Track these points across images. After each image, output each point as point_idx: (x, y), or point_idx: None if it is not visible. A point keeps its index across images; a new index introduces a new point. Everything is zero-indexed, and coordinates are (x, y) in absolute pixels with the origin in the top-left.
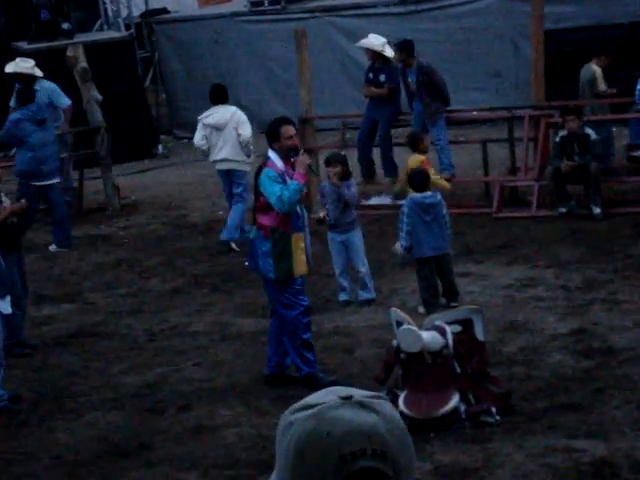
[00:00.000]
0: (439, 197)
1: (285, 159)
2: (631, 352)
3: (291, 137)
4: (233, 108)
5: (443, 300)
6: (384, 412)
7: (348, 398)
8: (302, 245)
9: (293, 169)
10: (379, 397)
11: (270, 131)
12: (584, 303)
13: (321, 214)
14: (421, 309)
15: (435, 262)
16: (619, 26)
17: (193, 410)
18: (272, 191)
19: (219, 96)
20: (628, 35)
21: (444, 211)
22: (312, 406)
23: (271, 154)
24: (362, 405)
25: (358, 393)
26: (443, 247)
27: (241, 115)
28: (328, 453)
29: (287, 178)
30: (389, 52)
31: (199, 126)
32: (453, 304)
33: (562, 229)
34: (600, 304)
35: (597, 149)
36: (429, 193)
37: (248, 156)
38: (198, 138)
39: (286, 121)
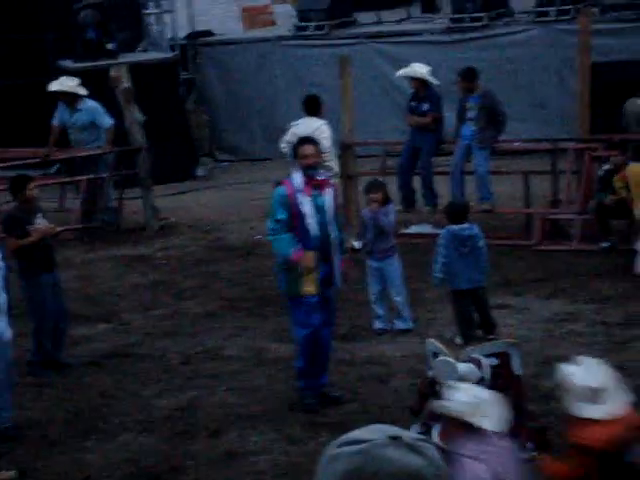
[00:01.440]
0: (476, 229)
1: (305, 177)
2: None
3: (306, 157)
4: (320, 122)
5: (480, 332)
6: (431, 456)
7: (396, 438)
8: (312, 265)
9: (313, 188)
10: (426, 441)
11: (293, 150)
12: (624, 340)
13: (355, 243)
14: (458, 340)
15: (470, 295)
16: None
17: (225, 435)
18: (272, 213)
19: (310, 107)
20: None
21: (481, 243)
22: (360, 442)
23: (293, 172)
24: (410, 447)
25: (406, 434)
26: (479, 280)
27: (324, 130)
28: None
29: (301, 197)
30: (433, 80)
31: (288, 132)
32: (490, 336)
33: (604, 264)
34: None
35: None
36: (466, 225)
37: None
38: (283, 143)
39: (305, 141)
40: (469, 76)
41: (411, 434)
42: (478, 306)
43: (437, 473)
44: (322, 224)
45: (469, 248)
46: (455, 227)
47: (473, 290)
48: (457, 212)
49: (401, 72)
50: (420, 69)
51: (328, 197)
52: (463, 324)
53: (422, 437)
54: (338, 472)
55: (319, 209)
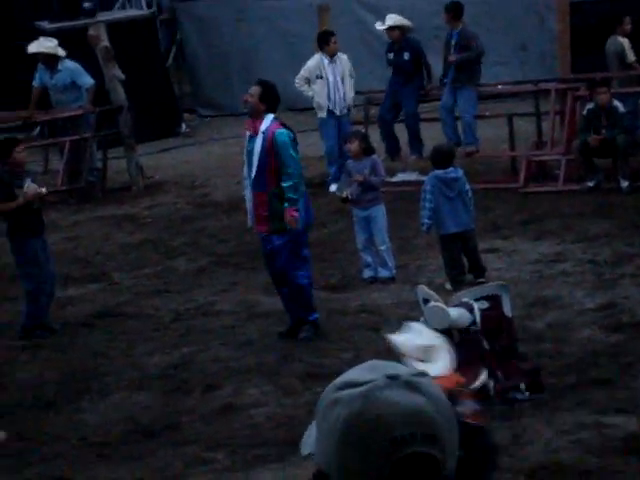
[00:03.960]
0: (461, 172)
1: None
2: None
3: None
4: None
5: (470, 276)
6: (431, 392)
7: (394, 377)
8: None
9: (249, 129)
10: (424, 375)
11: None
12: (613, 277)
13: (344, 193)
14: (448, 286)
15: (460, 239)
16: None
17: (220, 390)
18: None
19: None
20: None
21: (467, 187)
22: (358, 384)
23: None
24: (409, 385)
25: (404, 371)
26: (467, 223)
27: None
28: (378, 437)
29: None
30: (408, 22)
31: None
32: (480, 280)
33: (590, 203)
34: (629, 278)
35: (625, 122)
36: (451, 169)
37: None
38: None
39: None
40: (453, 9)
41: (409, 370)
42: (467, 250)
43: (438, 409)
44: (249, 166)
45: (455, 192)
46: (440, 171)
47: (462, 233)
48: (442, 157)
49: (380, 25)
50: (396, 17)
51: (258, 141)
52: (453, 269)
53: (420, 372)
54: (340, 417)
55: (249, 152)
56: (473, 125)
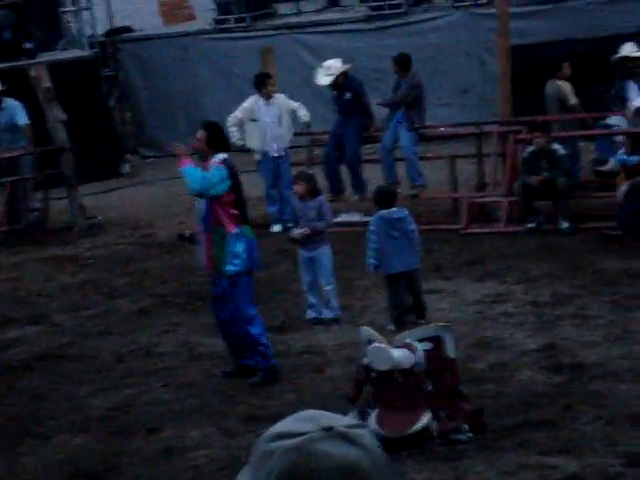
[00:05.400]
0: (406, 212)
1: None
2: (600, 368)
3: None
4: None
5: (412, 317)
6: (367, 445)
7: (330, 429)
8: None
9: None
10: (360, 426)
11: None
12: (553, 319)
13: (295, 233)
14: (391, 327)
15: (405, 278)
16: (584, 41)
17: (162, 432)
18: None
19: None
20: (592, 50)
21: (412, 226)
22: (292, 435)
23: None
24: (345, 437)
25: (339, 423)
26: (412, 262)
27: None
28: None
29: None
30: (346, 67)
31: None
32: (421, 321)
33: (531, 244)
34: (569, 319)
35: (565, 164)
36: (395, 209)
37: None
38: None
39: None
40: (401, 62)
41: (345, 421)
42: (412, 289)
43: (374, 463)
44: (200, 207)
45: (400, 231)
46: (385, 211)
47: (407, 273)
48: (385, 197)
49: (321, 80)
50: (335, 65)
51: None
52: (395, 309)
53: (357, 423)
54: (275, 470)
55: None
56: (415, 161)
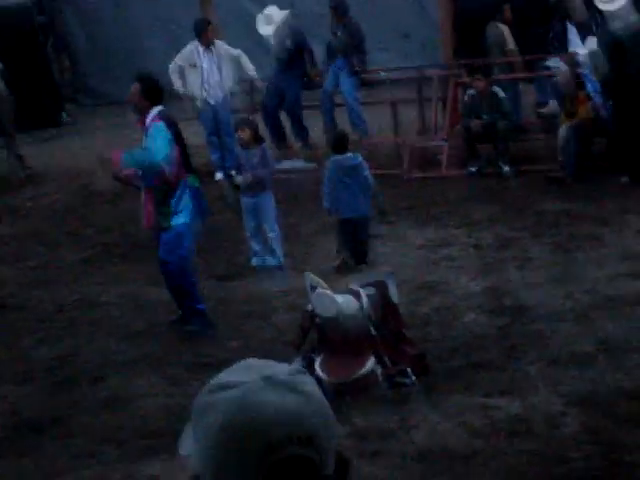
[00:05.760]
0: (360, 159)
1: None
2: (543, 309)
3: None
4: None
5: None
6: (308, 392)
7: (270, 378)
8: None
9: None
10: (300, 372)
11: None
12: (496, 261)
13: (239, 180)
14: (352, 262)
15: (354, 224)
16: None
17: (107, 381)
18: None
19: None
20: None
21: (365, 173)
22: (233, 386)
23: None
24: (285, 386)
25: (280, 370)
26: (362, 209)
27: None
28: (253, 441)
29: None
30: (286, 15)
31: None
32: (361, 266)
33: (472, 188)
34: (512, 262)
35: (505, 107)
36: (350, 154)
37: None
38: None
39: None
40: (337, 7)
41: (285, 368)
42: (354, 235)
43: (315, 409)
44: None
45: (352, 178)
46: (339, 157)
47: (355, 219)
48: (339, 142)
49: (262, 30)
50: (276, 13)
51: (144, 136)
52: (347, 252)
53: (297, 369)
54: (216, 422)
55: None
56: (357, 106)
